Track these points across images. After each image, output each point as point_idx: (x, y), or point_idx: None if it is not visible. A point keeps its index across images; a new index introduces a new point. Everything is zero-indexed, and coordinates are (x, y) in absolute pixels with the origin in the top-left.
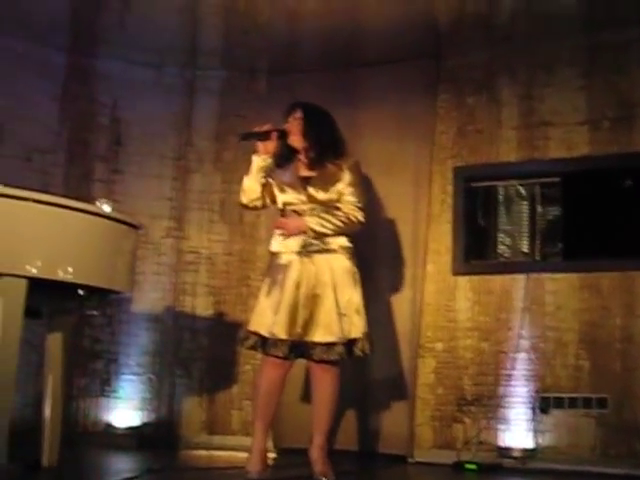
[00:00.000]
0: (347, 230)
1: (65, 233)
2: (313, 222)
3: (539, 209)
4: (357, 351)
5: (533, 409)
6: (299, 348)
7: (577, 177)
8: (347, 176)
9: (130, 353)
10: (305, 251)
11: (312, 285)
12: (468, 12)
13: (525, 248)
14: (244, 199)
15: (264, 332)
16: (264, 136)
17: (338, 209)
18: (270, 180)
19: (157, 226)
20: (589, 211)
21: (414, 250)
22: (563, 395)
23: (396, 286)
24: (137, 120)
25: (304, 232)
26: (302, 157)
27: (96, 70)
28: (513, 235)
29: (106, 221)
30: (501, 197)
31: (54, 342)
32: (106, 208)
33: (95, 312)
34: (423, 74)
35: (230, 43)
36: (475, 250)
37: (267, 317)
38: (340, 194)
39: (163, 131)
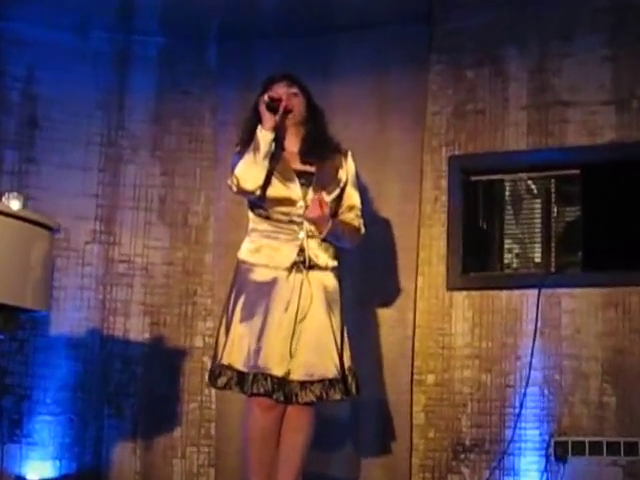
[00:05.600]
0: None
1: None
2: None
3: (554, 209)
4: (352, 389)
5: (547, 456)
6: (283, 386)
7: (601, 169)
8: (350, 171)
9: (46, 387)
10: (297, 267)
11: (303, 308)
12: None
13: (537, 257)
14: (249, 185)
15: (240, 366)
16: (275, 106)
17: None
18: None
19: (80, 229)
20: (615, 211)
21: (401, 260)
22: (584, 439)
23: (379, 304)
24: (56, 97)
25: (318, 229)
26: (293, 144)
27: (4, 34)
28: (522, 241)
29: (13, 221)
30: (508, 194)
31: None
32: (14, 205)
33: (1, 336)
34: (411, 41)
35: (172, 1)
36: (475, 260)
37: (244, 348)
38: (344, 194)
39: (88, 111)
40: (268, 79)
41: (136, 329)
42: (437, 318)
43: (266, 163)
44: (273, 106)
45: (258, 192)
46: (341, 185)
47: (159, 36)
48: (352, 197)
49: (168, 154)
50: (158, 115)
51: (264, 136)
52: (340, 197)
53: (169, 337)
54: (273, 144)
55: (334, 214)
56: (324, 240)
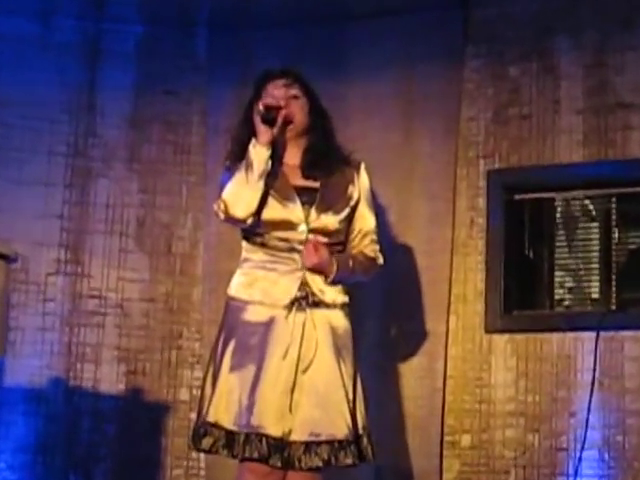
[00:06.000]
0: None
1: None
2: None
3: (616, 234)
4: (367, 453)
5: None
6: (281, 448)
7: None
8: (364, 187)
9: (0, 449)
10: (298, 305)
11: (306, 354)
12: None
13: (594, 293)
14: (240, 211)
15: (230, 425)
16: (272, 117)
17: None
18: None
19: (42, 258)
20: None
21: (430, 296)
22: None
23: (403, 350)
24: (12, 97)
25: (322, 274)
26: (294, 157)
27: None
28: (577, 273)
29: None
30: (559, 216)
31: None
32: None
33: None
34: (443, 31)
35: None
36: (520, 296)
37: (235, 402)
38: (356, 215)
39: (52, 115)
40: (263, 76)
41: (109, 379)
42: (473, 367)
43: (261, 185)
44: (270, 117)
45: (250, 220)
46: (351, 204)
47: (137, 24)
48: (366, 219)
49: (148, 167)
50: (136, 120)
51: (258, 153)
52: (351, 218)
53: (149, 389)
54: (270, 162)
55: (344, 240)
56: (332, 284)
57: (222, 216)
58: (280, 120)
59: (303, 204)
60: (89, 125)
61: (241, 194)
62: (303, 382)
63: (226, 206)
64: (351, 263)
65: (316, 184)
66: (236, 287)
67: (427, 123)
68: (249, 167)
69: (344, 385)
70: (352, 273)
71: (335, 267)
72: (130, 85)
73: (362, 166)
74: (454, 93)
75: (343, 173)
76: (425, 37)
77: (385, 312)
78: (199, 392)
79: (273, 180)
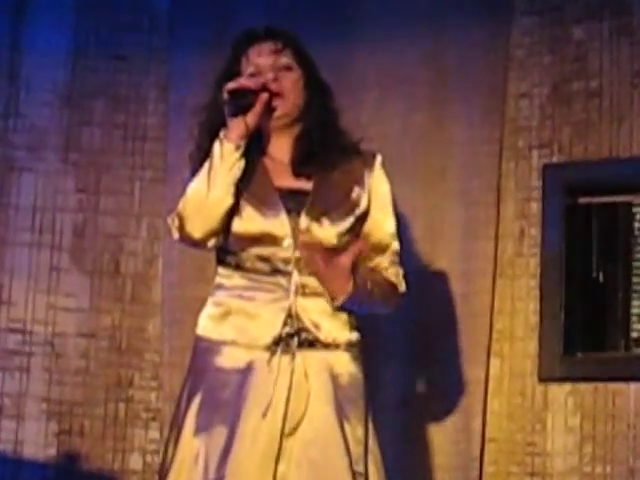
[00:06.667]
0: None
1: None
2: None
3: None
4: None
5: None
6: None
7: None
8: (380, 187)
9: None
10: (285, 345)
11: (296, 410)
12: None
13: None
14: (197, 230)
15: None
16: (248, 99)
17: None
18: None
19: None
20: None
21: (467, 333)
22: None
23: (433, 405)
24: None
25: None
26: (281, 148)
27: None
28: None
29: None
30: (639, 226)
31: None
32: None
33: None
34: None
35: None
36: (585, 332)
37: (199, 475)
38: (367, 225)
39: None
40: (242, 38)
41: (35, 441)
42: (523, 427)
43: (229, 197)
44: (239, 106)
45: (211, 242)
46: (357, 212)
47: None
48: (383, 230)
49: (89, 158)
50: (73, 94)
51: (225, 153)
52: (358, 232)
53: (88, 454)
54: (242, 164)
55: None
56: (339, 309)
57: (176, 235)
58: (260, 107)
59: (289, 212)
60: (10, 101)
61: (200, 207)
62: (292, 448)
63: (181, 222)
64: (369, 284)
65: (308, 185)
66: (204, 322)
67: (463, 102)
68: (212, 171)
69: (349, 452)
70: (369, 297)
71: (351, 284)
72: (66, 48)
73: (377, 160)
74: (499, 62)
75: (348, 169)
76: None
77: (408, 355)
78: (157, 459)
79: (250, 180)
